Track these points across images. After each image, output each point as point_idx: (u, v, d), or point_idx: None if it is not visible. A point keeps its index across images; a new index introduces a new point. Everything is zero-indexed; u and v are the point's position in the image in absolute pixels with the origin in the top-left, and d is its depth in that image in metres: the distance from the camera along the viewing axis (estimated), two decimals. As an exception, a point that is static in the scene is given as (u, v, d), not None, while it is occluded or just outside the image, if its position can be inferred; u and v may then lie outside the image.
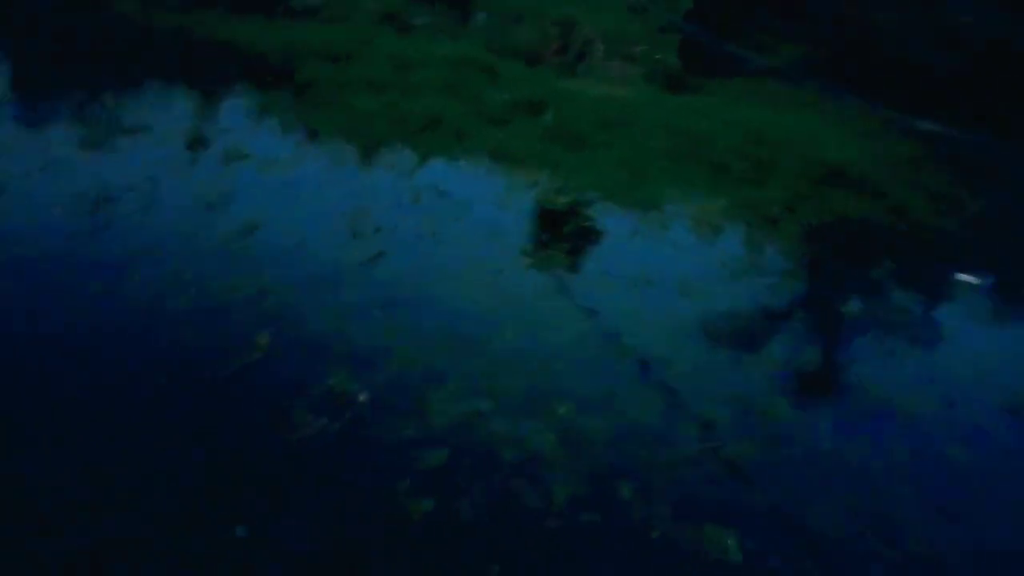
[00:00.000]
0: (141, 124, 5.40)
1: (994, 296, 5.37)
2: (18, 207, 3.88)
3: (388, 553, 2.27)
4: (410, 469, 2.59)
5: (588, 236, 5.14)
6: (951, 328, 4.72)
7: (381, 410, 2.86)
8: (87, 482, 2.34)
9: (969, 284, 5.05)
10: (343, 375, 2.98)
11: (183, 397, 2.73)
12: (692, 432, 3.21)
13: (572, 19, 11.02)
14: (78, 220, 3.89)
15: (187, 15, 8.22)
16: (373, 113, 6.66)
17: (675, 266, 4.97)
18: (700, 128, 8.35)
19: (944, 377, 4.07)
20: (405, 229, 4.50)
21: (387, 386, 3.01)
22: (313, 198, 4.75)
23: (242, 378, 2.88)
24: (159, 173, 4.61)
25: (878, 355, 4.41)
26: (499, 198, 5.31)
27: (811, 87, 9.60)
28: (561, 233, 5.05)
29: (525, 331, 3.70)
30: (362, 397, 2.88)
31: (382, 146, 5.99)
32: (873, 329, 4.85)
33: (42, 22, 7.26)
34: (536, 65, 9.31)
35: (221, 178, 4.76)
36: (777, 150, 7.98)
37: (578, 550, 2.44)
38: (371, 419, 2.81)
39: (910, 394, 3.92)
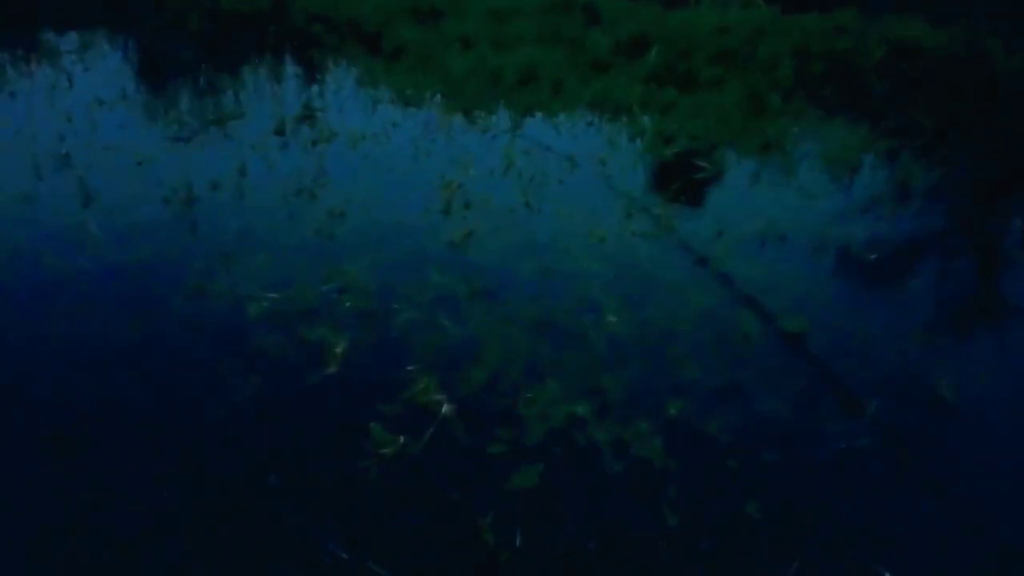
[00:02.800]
0: (232, 111, 5.31)
1: None
2: (108, 210, 3.84)
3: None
4: (497, 494, 2.29)
5: (703, 189, 4.61)
6: None
7: (467, 422, 2.57)
8: (152, 505, 2.18)
9: None
10: (425, 383, 2.70)
11: (254, 418, 2.54)
12: (838, 426, 2.72)
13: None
14: (166, 221, 3.81)
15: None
16: (466, 73, 6.31)
17: (807, 215, 4.37)
18: (834, 49, 7.43)
19: None
20: (497, 201, 4.15)
21: (474, 392, 2.71)
22: (402, 174, 4.49)
23: (316, 393, 2.66)
24: (248, 162, 4.48)
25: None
26: (600, 154, 4.85)
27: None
28: (672, 188, 4.54)
29: (634, 312, 3.29)
30: (446, 408, 2.59)
31: (475, 108, 5.64)
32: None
33: (134, 8, 7.36)
34: (642, -1, 8.62)
35: (310, 162, 4.58)
36: (930, 65, 6.96)
37: (698, 587, 2.07)
38: (455, 434, 2.52)
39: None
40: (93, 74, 5.81)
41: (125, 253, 3.51)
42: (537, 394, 2.73)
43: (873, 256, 3.98)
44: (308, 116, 5.30)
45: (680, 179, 4.67)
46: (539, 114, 5.53)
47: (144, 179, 4.20)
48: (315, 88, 5.90)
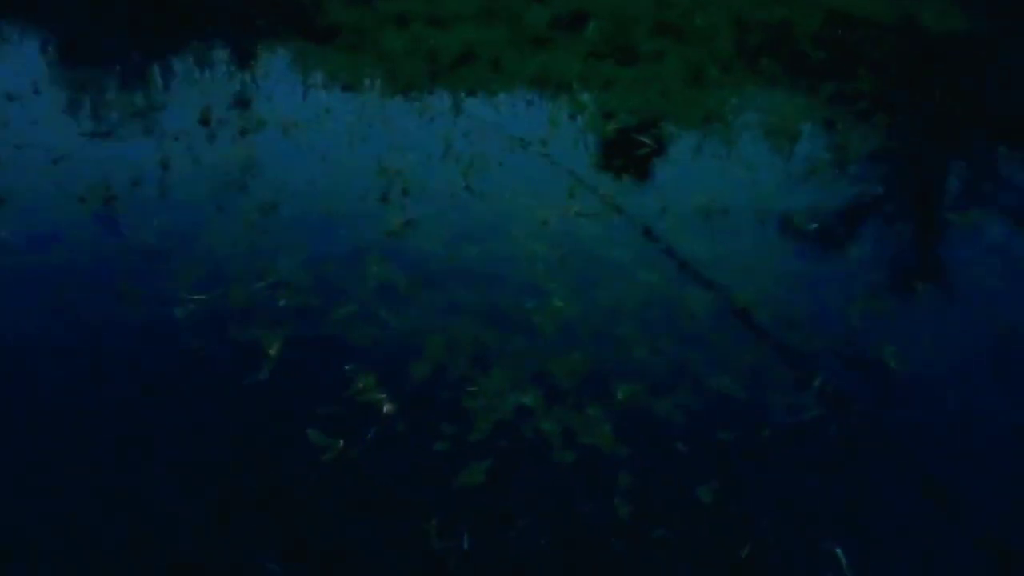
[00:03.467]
0: (153, 100, 5.05)
1: None
2: (23, 211, 3.61)
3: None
4: (444, 496, 2.20)
5: (646, 165, 4.55)
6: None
7: (410, 420, 2.47)
8: (80, 525, 2.04)
9: None
10: (366, 381, 2.59)
11: (183, 426, 2.40)
12: (788, 400, 2.70)
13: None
14: (83, 221, 3.59)
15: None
16: (403, 53, 6.13)
17: (749, 187, 4.35)
18: (772, 17, 7.44)
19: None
20: (436, 186, 4.03)
21: (417, 388, 2.61)
22: (337, 161, 4.32)
23: (250, 397, 2.52)
24: (172, 155, 4.26)
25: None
26: (541, 134, 4.75)
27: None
28: (615, 165, 4.47)
29: (580, 294, 3.22)
30: (387, 407, 2.49)
31: (412, 89, 5.48)
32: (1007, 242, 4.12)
33: None
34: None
35: (239, 152, 4.38)
36: (866, 31, 7.01)
37: (653, 577, 2.02)
38: (398, 433, 2.42)
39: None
40: (2, 67, 5.48)
41: (40, 257, 3.30)
42: (483, 386, 2.64)
43: (815, 225, 3.98)
44: (237, 103, 5.08)
45: (623, 156, 4.60)
46: (478, 94, 5.40)
47: (59, 177, 3.96)
48: (244, 73, 5.66)
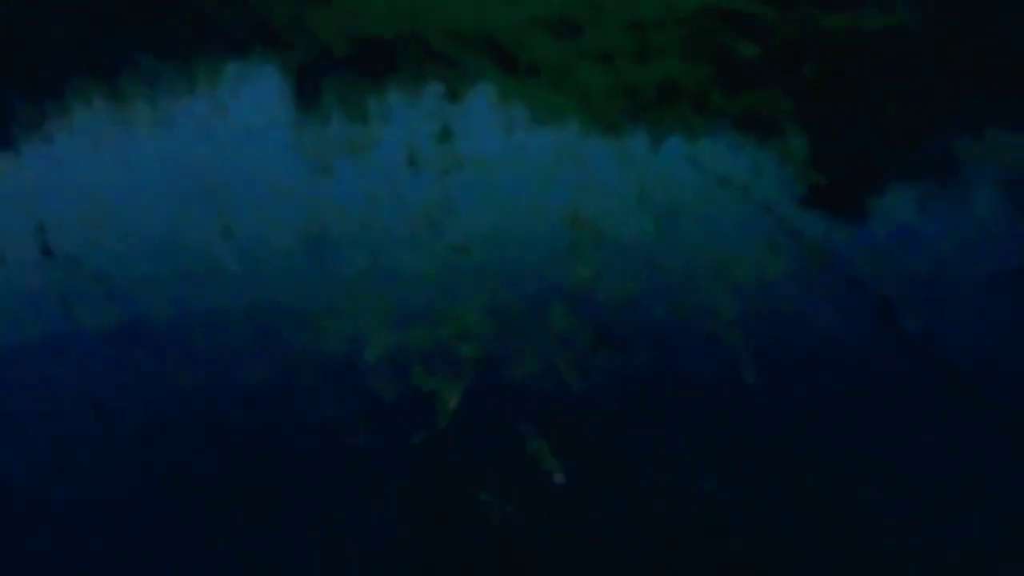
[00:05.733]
0: (364, 139, 5.37)
1: None
2: (244, 243, 3.95)
3: None
4: (611, 586, 2.07)
5: (862, 218, 4.14)
6: None
7: (582, 492, 2.36)
8: (249, 555, 2.13)
9: None
10: (539, 444, 2.52)
11: (361, 476, 2.45)
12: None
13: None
14: (295, 254, 3.86)
15: (418, 5, 8.23)
16: (602, 90, 6.09)
17: (982, 247, 3.82)
18: (1014, 44, 6.59)
19: None
20: (628, 235, 3.91)
21: (593, 455, 2.50)
22: (529, 204, 4.33)
23: (425, 450, 2.54)
24: (378, 193, 4.49)
25: None
26: (748, 179, 4.48)
27: None
28: (825, 215, 4.11)
29: (779, 366, 2.96)
30: (558, 477, 2.40)
31: (611, 129, 5.41)
32: None
33: (284, 36, 7.69)
34: (799, 2, 8.05)
35: (439, 191, 4.53)
36: None
37: None
38: (566, 504, 2.32)
39: None
40: (243, 103, 6.09)
41: (253, 288, 3.58)
42: (664, 463, 2.48)
43: (1071, 301, 3.40)
44: (440, 141, 5.28)
45: (836, 207, 4.22)
46: (680, 135, 5.22)
47: (280, 211, 4.30)
48: (449, 111, 5.89)
